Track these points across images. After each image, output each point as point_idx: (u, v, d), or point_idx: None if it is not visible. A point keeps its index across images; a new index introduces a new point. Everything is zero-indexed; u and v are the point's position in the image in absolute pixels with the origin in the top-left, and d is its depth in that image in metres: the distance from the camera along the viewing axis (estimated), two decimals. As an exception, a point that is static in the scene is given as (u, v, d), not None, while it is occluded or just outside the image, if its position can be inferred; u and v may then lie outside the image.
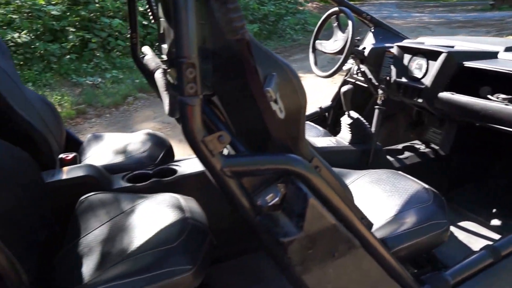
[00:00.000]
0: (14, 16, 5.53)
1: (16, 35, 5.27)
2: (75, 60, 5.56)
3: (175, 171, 1.59)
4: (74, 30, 5.75)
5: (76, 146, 2.08)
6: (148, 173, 1.59)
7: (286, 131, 0.92)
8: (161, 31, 1.81)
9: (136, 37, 1.98)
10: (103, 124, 4.30)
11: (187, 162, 1.66)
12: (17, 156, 1.34)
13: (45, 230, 1.38)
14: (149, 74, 2.07)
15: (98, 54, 5.75)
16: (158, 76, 1.63)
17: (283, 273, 1.07)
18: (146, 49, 1.82)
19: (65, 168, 1.51)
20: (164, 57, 1.78)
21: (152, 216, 1.23)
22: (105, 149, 1.88)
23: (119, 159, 1.75)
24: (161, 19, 1.79)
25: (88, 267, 1.10)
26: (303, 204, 0.87)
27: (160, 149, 1.80)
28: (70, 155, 1.60)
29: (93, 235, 1.25)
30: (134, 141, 1.87)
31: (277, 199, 0.88)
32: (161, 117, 4.42)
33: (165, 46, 1.75)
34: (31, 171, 1.37)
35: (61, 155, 1.61)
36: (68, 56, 5.50)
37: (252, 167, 0.88)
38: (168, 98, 1.57)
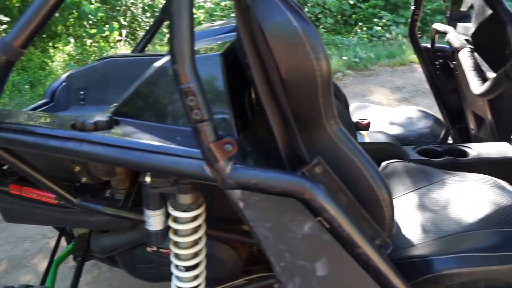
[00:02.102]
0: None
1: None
2: (286, 33, 5.95)
3: (466, 153, 1.58)
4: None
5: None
6: (437, 150, 1.62)
7: None
8: (462, 9, 1.79)
9: (418, 14, 2.01)
10: (314, 95, 4.52)
11: (477, 146, 1.64)
12: (345, 115, 1.51)
13: None
14: (420, 50, 2.10)
15: (307, 29, 6.04)
16: (464, 55, 1.63)
17: None
18: (445, 27, 1.82)
19: (364, 132, 1.65)
20: (462, 36, 1.77)
21: (476, 194, 1.24)
22: (376, 119, 1.99)
23: (399, 131, 1.83)
24: None
25: (411, 231, 1.14)
26: None
27: (441, 128, 1.83)
28: (365, 121, 1.73)
29: (402, 199, 1.33)
30: (409, 116, 1.94)
31: None
32: (370, 96, 4.46)
33: (469, 25, 1.73)
34: (352, 129, 1.53)
35: (357, 119, 1.75)
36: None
37: None
38: (476, 77, 1.56)
